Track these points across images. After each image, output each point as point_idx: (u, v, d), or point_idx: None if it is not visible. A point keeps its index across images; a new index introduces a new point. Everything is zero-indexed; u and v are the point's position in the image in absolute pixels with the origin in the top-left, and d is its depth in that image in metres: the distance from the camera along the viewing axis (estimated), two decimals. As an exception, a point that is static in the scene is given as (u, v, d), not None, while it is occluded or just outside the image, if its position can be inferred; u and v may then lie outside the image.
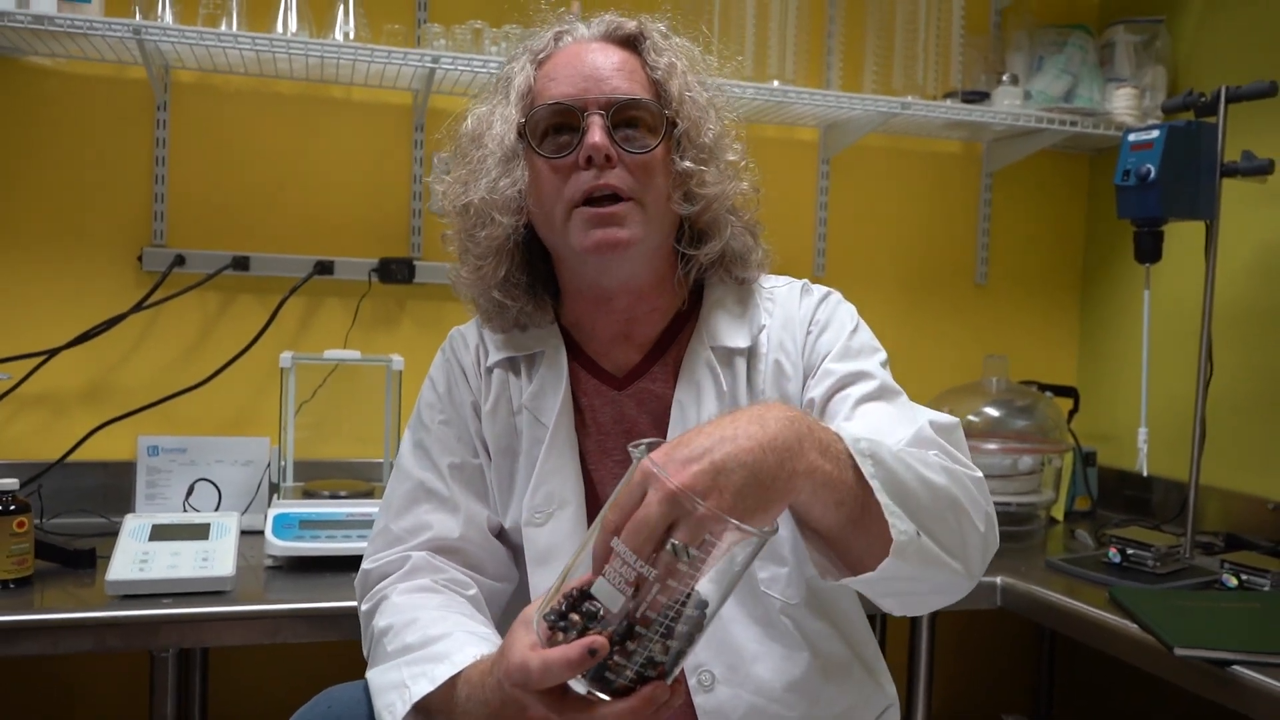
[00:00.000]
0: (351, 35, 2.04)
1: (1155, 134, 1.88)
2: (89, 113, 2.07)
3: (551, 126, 1.16)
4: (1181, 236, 2.06)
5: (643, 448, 0.85)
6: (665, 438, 1.16)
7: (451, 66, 1.99)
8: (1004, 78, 2.36)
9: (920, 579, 0.96)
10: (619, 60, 1.18)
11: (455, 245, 1.26)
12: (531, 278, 1.26)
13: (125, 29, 1.82)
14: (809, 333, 1.22)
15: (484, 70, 2.01)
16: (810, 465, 0.86)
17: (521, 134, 1.17)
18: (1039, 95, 2.38)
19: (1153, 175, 1.86)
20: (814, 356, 1.21)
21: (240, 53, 1.94)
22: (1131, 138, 1.93)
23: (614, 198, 1.13)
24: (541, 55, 1.20)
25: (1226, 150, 1.90)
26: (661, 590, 0.79)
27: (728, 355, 1.22)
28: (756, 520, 0.82)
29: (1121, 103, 2.34)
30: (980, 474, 1.06)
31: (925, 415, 1.09)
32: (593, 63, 1.17)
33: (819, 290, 1.28)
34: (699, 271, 1.24)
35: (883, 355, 1.23)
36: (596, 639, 0.80)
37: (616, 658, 0.80)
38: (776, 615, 1.17)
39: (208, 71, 2.10)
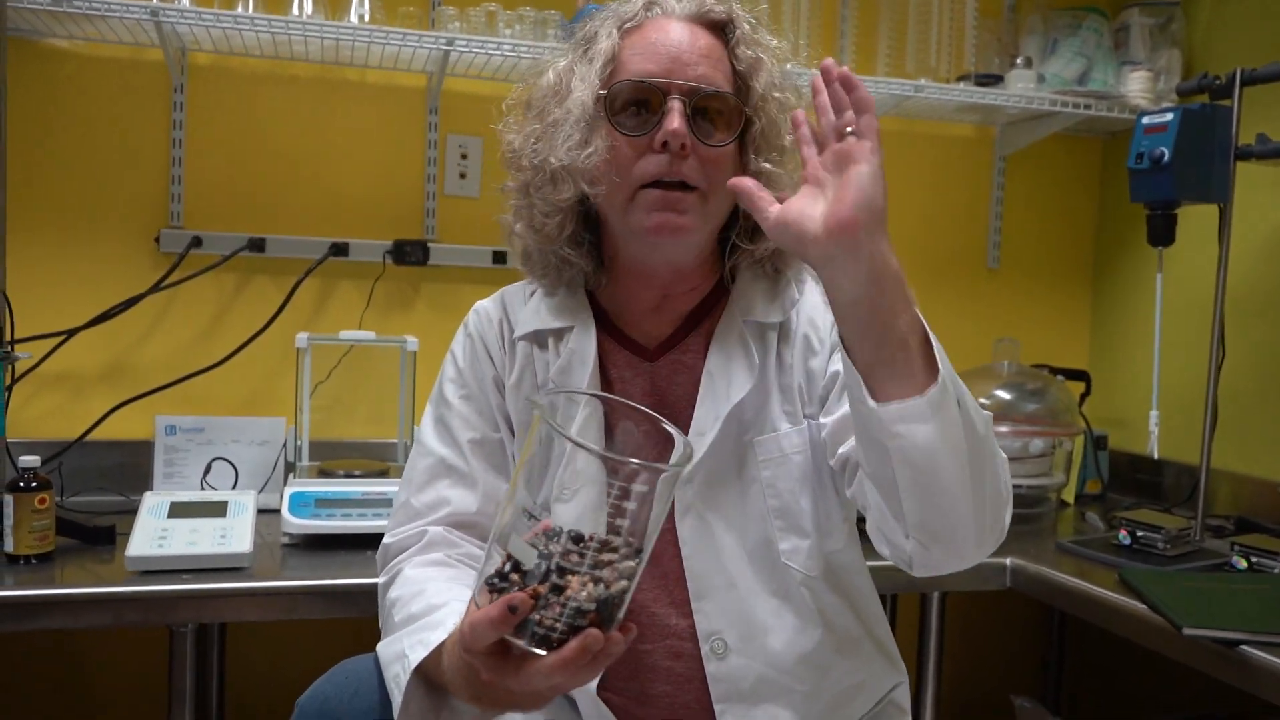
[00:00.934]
0: (366, 18, 2.05)
1: (1169, 117, 1.88)
2: (106, 95, 2.08)
3: (631, 102, 1.14)
4: (1194, 220, 2.06)
5: (545, 401, 0.86)
6: (694, 410, 1.19)
7: (466, 49, 2.00)
8: (1017, 60, 2.35)
9: (942, 460, 0.96)
10: (706, 45, 1.16)
11: (515, 199, 1.23)
12: (592, 239, 1.25)
13: (143, 10, 1.84)
14: None
15: (498, 53, 2.02)
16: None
17: (601, 103, 1.15)
18: (1053, 78, 2.37)
19: (1166, 158, 1.86)
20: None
21: (256, 35, 1.95)
22: (1145, 120, 1.92)
23: (681, 184, 1.13)
24: (628, 24, 1.18)
25: (1241, 133, 1.89)
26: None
27: (760, 329, 1.22)
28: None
29: (1136, 86, 2.33)
30: (1005, 458, 1.08)
31: None
32: (680, 43, 1.15)
33: None
34: (748, 263, 1.24)
35: None
36: (516, 595, 0.80)
37: (545, 612, 0.80)
38: (795, 587, 1.18)
39: (224, 54, 2.12)
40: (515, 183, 1.23)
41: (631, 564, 0.83)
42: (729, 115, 1.15)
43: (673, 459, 0.88)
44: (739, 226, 1.22)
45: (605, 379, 1.24)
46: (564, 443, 0.86)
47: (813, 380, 1.21)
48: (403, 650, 1.06)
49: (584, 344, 1.23)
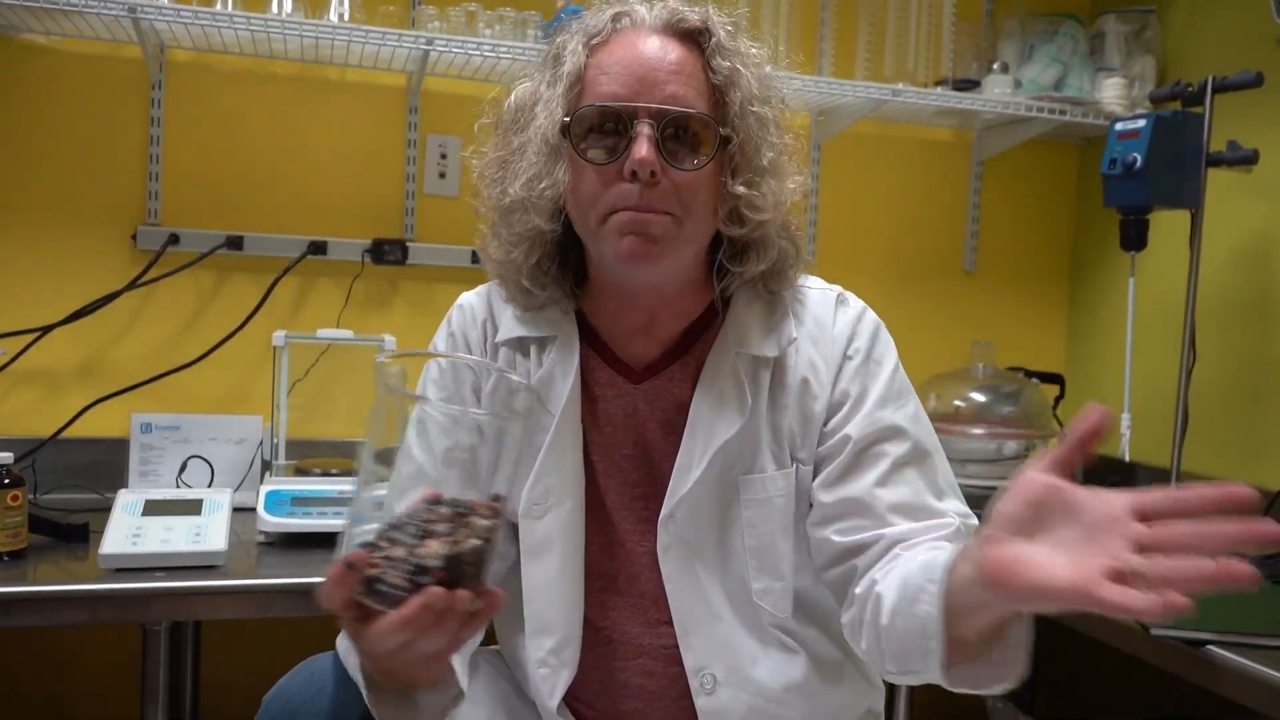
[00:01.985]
0: (346, 16, 2.05)
1: (1142, 123, 1.91)
2: (84, 91, 2.07)
3: (597, 125, 1.07)
4: (1166, 225, 2.08)
5: (383, 360, 0.85)
6: (675, 437, 1.15)
7: (445, 49, 2.00)
8: (995, 66, 2.38)
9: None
10: (677, 59, 1.07)
11: (486, 223, 1.18)
12: (562, 266, 1.19)
13: (120, 8, 1.83)
14: (847, 358, 1.17)
15: (478, 53, 2.02)
16: None
17: (564, 130, 1.08)
18: (1029, 84, 2.39)
19: (1139, 164, 1.88)
20: (850, 386, 1.15)
21: (235, 33, 1.95)
22: (1118, 127, 1.95)
23: (652, 209, 1.06)
24: (595, 40, 1.10)
25: (1212, 140, 1.92)
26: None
27: (753, 364, 1.16)
28: None
29: (1111, 92, 2.35)
30: None
31: (949, 504, 1.12)
32: (649, 59, 1.06)
33: (854, 304, 1.21)
34: (736, 285, 1.17)
35: (915, 401, 1.19)
36: (354, 553, 0.79)
37: (391, 572, 0.79)
38: (766, 625, 1.16)
39: (203, 51, 2.11)
40: (484, 207, 1.18)
41: (486, 523, 0.81)
42: (703, 136, 1.07)
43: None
44: (724, 248, 1.15)
45: (587, 395, 1.19)
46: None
47: (808, 425, 1.15)
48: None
49: (567, 357, 1.18)
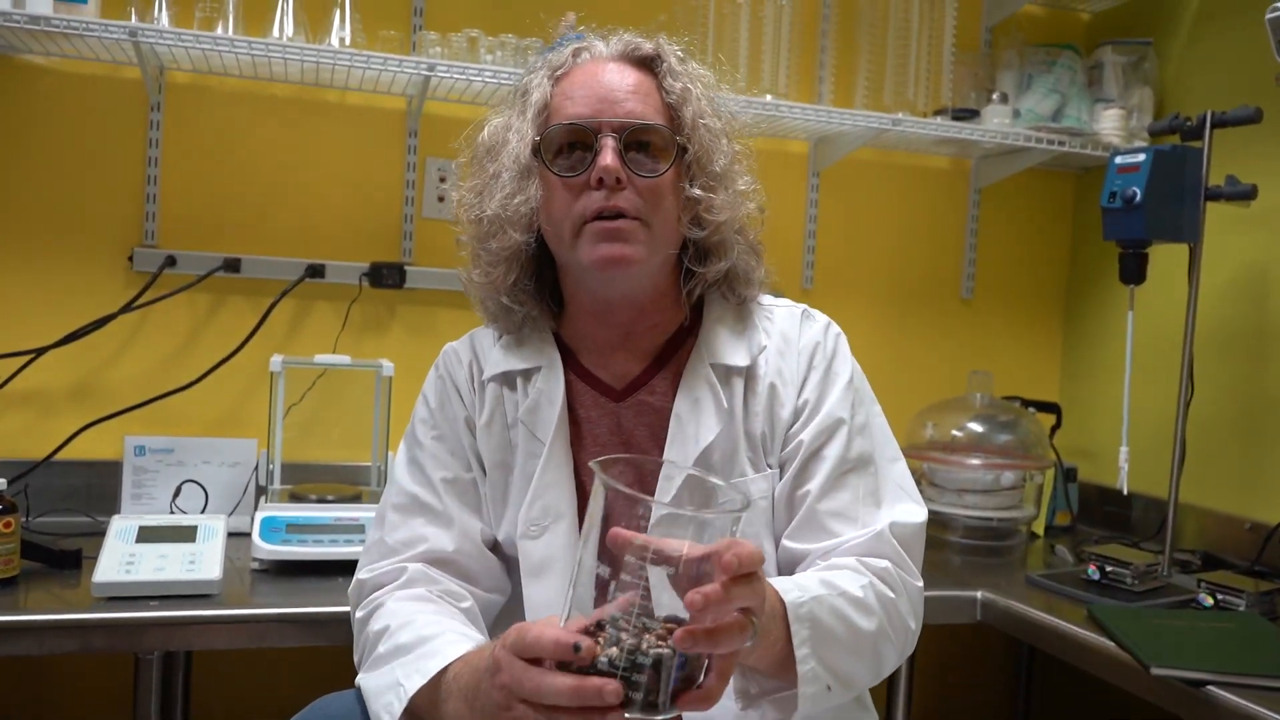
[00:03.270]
0: (347, 41, 2.04)
1: (1141, 157, 1.91)
2: (83, 111, 2.07)
3: (565, 144, 1.18)
4: (1163, 258, 2.09)
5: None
6: (663, 450, 1.21)
7: (447, 74, 2.00)
8: (993, 96, 2.38)
9: (833, 706, 1.07)
10: (634, 82, 1.20)
11: (467, 251, 1.28)
12: (539, 284, 1.29)
13: (121, 31, 1.82)
14: (811, 366, 1.25)
15: (479, 79, 2.02)
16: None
17: (536, 151, 1.19)
18: (1028, 114, 2.40)
19: (1138, 198, 1.88)
20: (810, 395, 1.24)
21: (236, 56, 1.94)
22: (1118, 160, 1.95)
23: (621, 214, 1.15)
24: (559, 71, 1.22)
25: (1210, 174, 1.93)
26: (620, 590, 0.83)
27: (726, 373, 1.24)
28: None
29: (1109, 123, 2.36)
30: (920, 583, 1.19)
31: (891, 500, 1.21)
32: (609, 83, 1.19)
33: (819, 319, 1.30)
34: (702, 288, 1.27)
35: (869, 410, 1.28)
36: (588, 643, 0.81)
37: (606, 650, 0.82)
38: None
39: (203, 73, 2.11)
40: (465, 235, 1.28)
41: (655, 629, 0.83)
42: (661, 145, 1.18)
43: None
44: (689, 254, 1.25)
45: (573, 419, 1.26)
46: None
47: (775, 430, 1.24)
48: (396, 680, 1.06)
49: (551, 384, 1.25)
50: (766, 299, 1.33)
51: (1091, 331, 2.65)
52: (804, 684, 1.01)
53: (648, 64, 1.22)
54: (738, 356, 1.25)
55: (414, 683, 1.03)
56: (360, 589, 1.24)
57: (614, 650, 0.81)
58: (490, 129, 1.26)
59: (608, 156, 1.14)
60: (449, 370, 1.33)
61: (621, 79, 1.19)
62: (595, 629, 0.83)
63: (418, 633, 1.10)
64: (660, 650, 0.81)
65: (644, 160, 1.17)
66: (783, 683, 1.04)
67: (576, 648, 0.81)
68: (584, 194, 1.16)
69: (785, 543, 1.21)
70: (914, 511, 1.22)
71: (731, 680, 1.01)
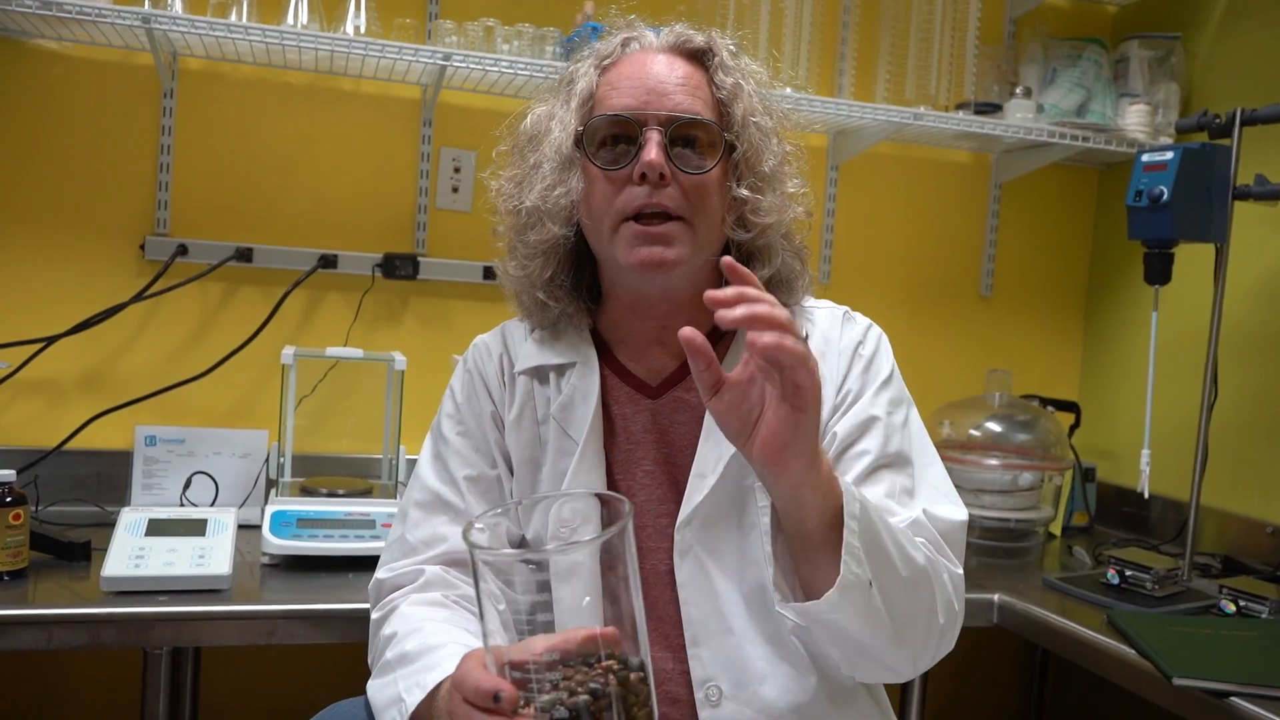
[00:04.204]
0: (362, 29, 2.02)
1: (1169, 155, 1.87)
2: (95, 98, 2.05)
3: (609, 136, 1.15)
4: (1188, 257, 2.05)
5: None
6: (697, 448, 1.19)
7: (463, 64, 1.97)
8: (1017, 90, 2.34)
9: (858, 635, 1.02)
10: (684, 74, 1.16)
11: (504, 242, 1.25)
12: (576, 280, 1.25)
13: (135, 17, 1.80)
14: (852, 364, 1.22)
15: (495, 69, 1.99)
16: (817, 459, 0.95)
17: (578, 141, 1.15)
18: (1051, 109, 2.36)
19: (1166, 197, 1.84)
20: (850, 385, 1.20)
21: (250, 43, 1.92)
22: (1145, 158, 1.91)
23: (664, 215, 1.12)
24: (607, 61, 1.19)
25: (1239, 173, 1.89)
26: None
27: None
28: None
29: (1134, 119, 2.32)
30: (961, 572, 1.13)
31: (928, 499, 1.16)
32: (657, 74, 1.15)
33: (861, 320, 1.27)
34: None
35: (907, 410, 1.23)
36: (511, 694, 0.80)
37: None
38: (787, 634, 1.16)
39: (216, 60, 2.09)
40: (502, 226, 1.24)
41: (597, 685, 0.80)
42: (709, 141, 1.15)
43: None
44: (733, 254, 1.20)
45: (607, 415, 1.23)
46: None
47: None
48: (398, 694, 1.05)
49: (587, 381, 1.22)
50: (809, 300, 1.30)
51: (1112, 330, 2.62)
52: (848, 557, 0.96)
53: (698, 57, 1.19)
54: None
55: (413, 698, 1.03)
56: (379, 589, 1.23)
57: (545, 697, 0.79)
58: (533, 117, 1.22)
59: (652, 151, 1.10)
60: (478, 364, 1.30)
61: (671, 71, 1.15)
62: (524, 673, 0.81)
63: (424, 642, 1.08)
64: (580, 699, 0.78)
65: (690, 156, 1.14)
66: (817, 590, 1.00)
67: (496, 697, 0.80)
68: (626, 188, 1.13)
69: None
70: (953, 510, 1.17)
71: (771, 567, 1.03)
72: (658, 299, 1.21)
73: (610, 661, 0.80)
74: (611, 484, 1.21)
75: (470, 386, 1.29)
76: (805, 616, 1.02)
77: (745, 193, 1.16)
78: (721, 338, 1.24)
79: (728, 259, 0.96)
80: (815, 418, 0.93)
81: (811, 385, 0.91)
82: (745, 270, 0.94)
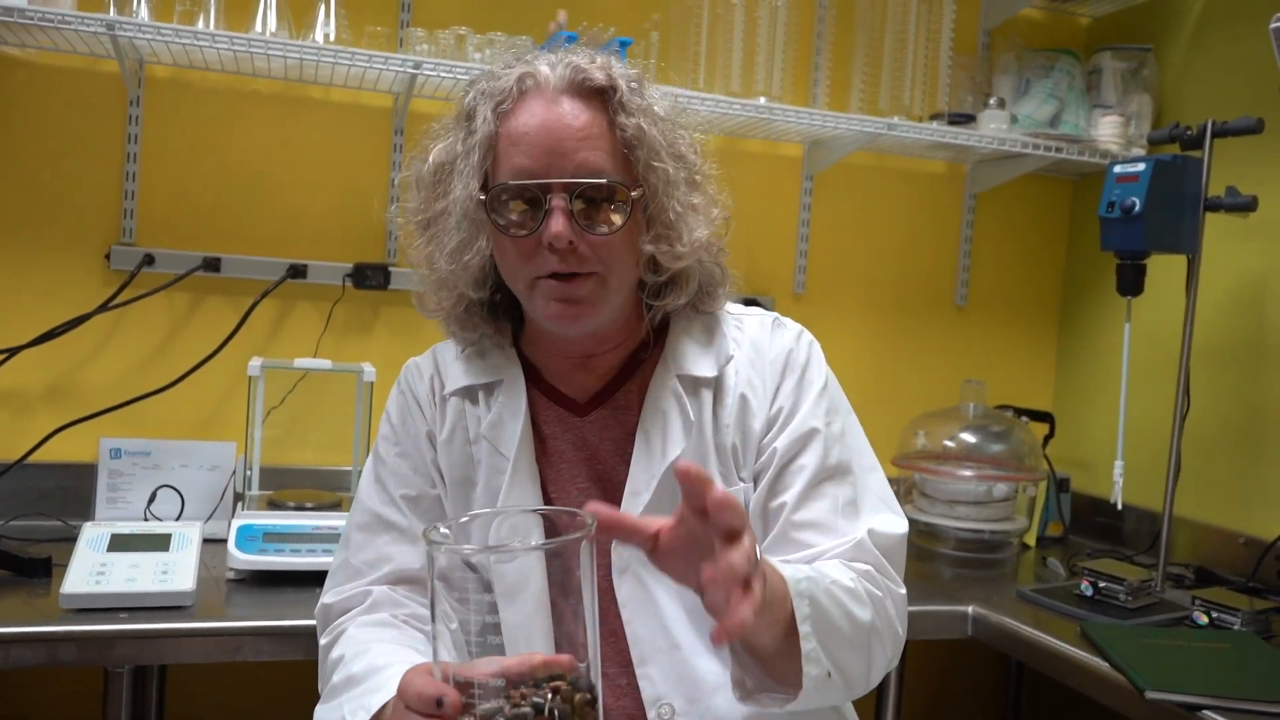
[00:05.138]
0: (332, 37, 2.00)
1: (1141, 167, 1.88)
2: (60, 105, 2.01)
3: (513, 199, 1.11)
4: (1160, 268, 2.05)
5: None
6: (629, 465, 1.18)
7: (434, 72, 1.96)
8: (990, 101, 2.35)
9: (816, 704, 1.03)
10: (585, 123, 1.10)
11: (416, 272, 1.24)
12: (493, 306, 1.25)
13: (99, 24, 1.77)
14: (784, 374, 1.21)
15: (466, 77, 1.97)
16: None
17: (482, 206, 1.12)
18: (1025, 119, 2.37)
19: (1138, 208, 1.85)
20: (784, 402, 1.20)
21: (217, 50, 1.89)
22: (1117, 169, 1.92)
23: (575, 273, 1.11)
24: (503, 106, 1.12)
25: (1210, 185, 1.89)
26: None
27: (694, 384, 1.20)
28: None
29: (1107, 130, 2.33)
30: (903, 591, 1.15)
31: (870, 510, 1.16)
32: (556, 130, 1.09)
33: (791, 326, 1.26)
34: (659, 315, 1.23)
35: (844, 418, 1.23)
36: (453, 698, 0.79)
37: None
38: (736, 646, 1.14)
39: (183, 67, 2.06)
40: (412, 262, 1.24)
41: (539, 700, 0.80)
42: (615, 200, 1.11)
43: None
44: (647, 287, 1.20)
45: (537, 434, 1.22)
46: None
47: (748, 441, 1.19)
48: (343, 716, 1.03)
49: (514, 399, 1.22)
50: (736, 308, 1.29)
51: (1086, 340, 2.62)
52: (808, 664, 0.98)
53: (599, 95, 1.12)
54: (704, 367, 1.20)
55: (358, 719, 1.01)
56: (326, 614, 1.22)
57: (486, 705, 0.78)
58: (435, 155, 1.18)
59: (558, 222, 1.07)
60: (410, 385, 1.29)
61: (572, 119, 1.09)
62: (470, 686, 0.80)
63: (370, 663, 1.07)
64: (523, 710, 0.78)
65: (598, 216, 1.10)
66: (778, 678, 1.01)
67: (439, 702, 0.79)
68: (536, 253, 1.10)
69: (767, 556, 1.16)
70: (894, 522, 1.18)
71: (730, 669, 1.02)
72: (578, 336, 1.20)
73: (558, 682, 0.79)
74: (547, 500, 1.21)
75: (405, 408, 1.28)
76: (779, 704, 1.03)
77: (649, 246, 1.14)
78: (650, 353, 1.23)
79: (682, 464, 0.86)
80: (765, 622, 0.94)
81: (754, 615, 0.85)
82: (700, 472, 0.86)
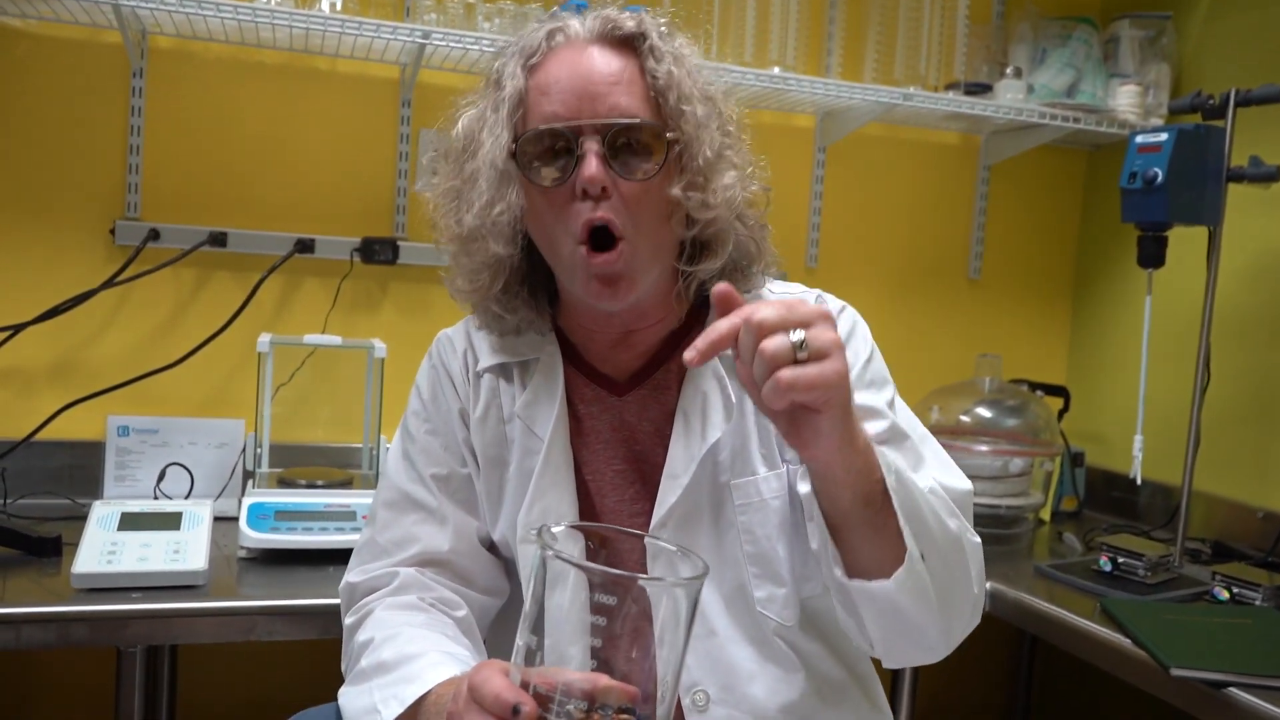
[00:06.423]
0: (339, 6, 1.96)
1: (1164, 137, 1.84)
2: (61, 77, 1.98)
3: (545, 150, 1.08)
4: (1179, 240, 2.02)
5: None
6: (667, 446, 1.15)
7: (442, 42, 1.92)
8: (1006, 71, 2.31)
9: (909, 612, 0.98)
10: (616, 69, 1.08)
11: (447, 255, 1.19)
12: (532, 285, 1.20)
13: (101, -7, 1.74)
14: None
15: (475, 47, 1.94)
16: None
17: (513, 155, 1.08)
18: (1041, 89, 2.33)
19: (1160, 179, 1.81)
20: None
21: (221, 20, 1.86)
22: (1139, 139, 1.88)
23: (609, 237, 1.06)
24: (533, 60, 1.10)
25: (1233, 154, 1.86)
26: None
27: (735, 365, 1.16)
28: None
29: (1125, 100, 2.29)
30: (979, 540, 1.08)
31: (932, 469, 1.11)
32: (587, 75, 1.07)
33: (834, 302, 1.22)
34: (701, 286, 1.18)
35: (893, 389, 1.19)
36: (531, 708, 0.76)
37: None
38: (771, 635, 1.13)
39: (187, 38, 2.02)
40: (444, 239, 1.18)
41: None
42: (650, 143, 1.08)
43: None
44: (685, 252, 1.15)
45: (572, 414, 1.19)
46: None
47: None
48: (374, 704, 1.00)
49: (550, 378, 1.18)
50: (778, 285, 1.25)
51: (1101, 314, 2.59)
52: (906, 532, 0.93)
53: (629, 43, 1.10)
54: None
55: (390, 710, 0.98)
56: (351, 593, 1.19)
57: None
58: (465, 122, 1.15)
59: (591, 165, 1.04)
60: (442, 359, 1.25)
61: (603, 66, 1.07)
62: (546, 694, 0.77)
63: (401, 650, 1.04)
64: None
65: (633, 161, 1.07)
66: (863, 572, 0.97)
67: (516, 709, 0.76)
68: (570, 205, 1.06)
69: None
70: (960, 480, 1.13)
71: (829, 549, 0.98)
72: (618, 310, 1.15)
73: (626, 715, 0.76)
74: (581, 485, 1.17)
75: (436, 383, 1.24)
76: (865, 596, 0.97)
77: (679, 192, 1.09)
78: (690, 333, 1.18)
79: (719, 288, 0.90)
80: (838, 410, 0.87)
81: (829, 386, 0.85)
82: (734, 294, 0.90)
